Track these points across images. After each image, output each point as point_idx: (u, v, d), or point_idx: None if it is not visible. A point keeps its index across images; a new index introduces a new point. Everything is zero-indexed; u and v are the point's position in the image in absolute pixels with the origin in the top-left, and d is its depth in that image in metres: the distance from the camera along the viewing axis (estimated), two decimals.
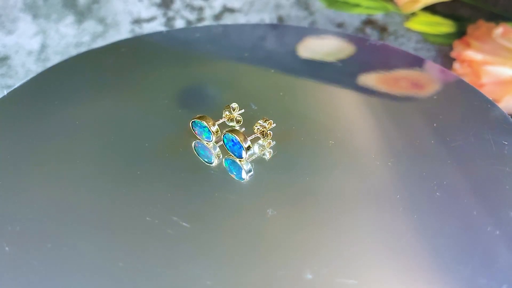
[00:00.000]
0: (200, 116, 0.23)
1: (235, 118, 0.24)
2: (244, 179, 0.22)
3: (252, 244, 0.20)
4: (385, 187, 0.22)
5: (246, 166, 0.23)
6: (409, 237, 0.20)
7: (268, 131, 0.23)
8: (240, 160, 0.22)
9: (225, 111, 0.24)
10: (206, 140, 0.23)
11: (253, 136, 0.23)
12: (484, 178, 0.22)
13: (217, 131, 0.23)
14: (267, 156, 0.23)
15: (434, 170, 0.22)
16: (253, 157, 0.23)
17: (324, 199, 0.21)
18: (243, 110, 0.24)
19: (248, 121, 0.24)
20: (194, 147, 0.23)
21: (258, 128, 0.23)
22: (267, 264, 0.19)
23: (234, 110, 0.24)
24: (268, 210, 0.21)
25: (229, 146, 0.22)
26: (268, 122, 0.23)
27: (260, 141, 0.23)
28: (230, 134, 0.22)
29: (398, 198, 0.21)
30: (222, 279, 0.19)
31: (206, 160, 0.23)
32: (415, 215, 0.21)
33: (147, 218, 0.20)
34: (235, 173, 0.22)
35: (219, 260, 0.19)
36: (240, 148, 0.22)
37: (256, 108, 0.25)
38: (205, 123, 0.23)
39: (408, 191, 0.22)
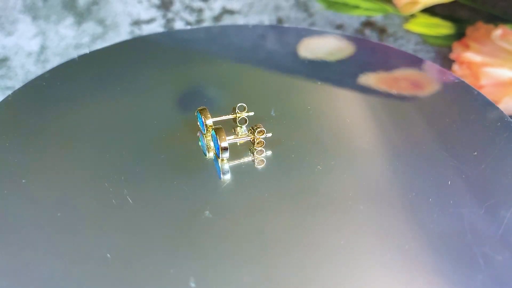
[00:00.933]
0: (201, 109, 0.23)
1: (239, 119, 0.24)
2: (220, 179, 0.22)
3: (172, 239, 0.20)
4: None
5: (224, 166, 0.23)
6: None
7: (260, 139, 0.23)
8: (222, 160, 0.23)
9: (233, 110, 0.24)
10: (202, 132, 0.23)
11: (245, 139, 0.23)
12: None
13: (211, 126, 0.23)
14: (256, 163, 0.23)
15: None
16: (242, 161, 0.23)
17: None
18: (252, 113, 0.24)
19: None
20: (198, 136, 0.24)
21: (251, 133, 0.23)
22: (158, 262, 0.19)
23: (242, 110, 0.24)
24: (206, 212, 0.21)
25: (214, 143, 0.23)
26: (259, 131, 0.23)
27: (254, 146, 0.23)
28: (214, 131, 0.22)
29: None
30: (123, 256, 0.19)
31: (203, 151, 0.23)
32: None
33: (105, 184, 0.22)
34: (217, 171, 0.23)
35: (133, 240, 0.20)
36: (218, 147, 0.22)
37: (274, 114, 0.25)
38: (202, 115, 0.23)
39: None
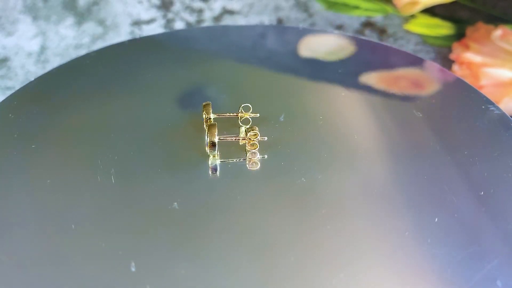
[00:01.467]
0: (205, 104, 0.23)
1: (242, 119, 0.24)
2: (210, 174, 0.22)
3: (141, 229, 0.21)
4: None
5: (212, 161, 0.23)
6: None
7: (253, 141, 0.23)
8: (213, 156, 0.23)
9: (239, 110, 0.24)
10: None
11: (236, 138, 0.23)
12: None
13: (210, 121, 0.23)
14: (248, 164, 0.23)
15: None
16: (236, 160, 0.23)
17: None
18: (258, 114, 0.24)
19: (264, 128, 0.24)
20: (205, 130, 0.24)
21: (246, 133, 0.23)
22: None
23: (247, 110, 0.24)
24: (174, 203, 0.21)
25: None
26: (253, 133, 0.23)
27: (247, 148, 0.23)
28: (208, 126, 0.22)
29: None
30: (86, 230, 0.20)
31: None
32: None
33: (98, 161, 0.23)
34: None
35: (99, 216, 0.21)
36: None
37: (282, 120, 0.25)
38: (203, 110, 0.23)
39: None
